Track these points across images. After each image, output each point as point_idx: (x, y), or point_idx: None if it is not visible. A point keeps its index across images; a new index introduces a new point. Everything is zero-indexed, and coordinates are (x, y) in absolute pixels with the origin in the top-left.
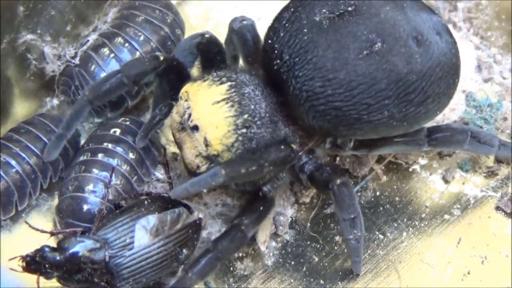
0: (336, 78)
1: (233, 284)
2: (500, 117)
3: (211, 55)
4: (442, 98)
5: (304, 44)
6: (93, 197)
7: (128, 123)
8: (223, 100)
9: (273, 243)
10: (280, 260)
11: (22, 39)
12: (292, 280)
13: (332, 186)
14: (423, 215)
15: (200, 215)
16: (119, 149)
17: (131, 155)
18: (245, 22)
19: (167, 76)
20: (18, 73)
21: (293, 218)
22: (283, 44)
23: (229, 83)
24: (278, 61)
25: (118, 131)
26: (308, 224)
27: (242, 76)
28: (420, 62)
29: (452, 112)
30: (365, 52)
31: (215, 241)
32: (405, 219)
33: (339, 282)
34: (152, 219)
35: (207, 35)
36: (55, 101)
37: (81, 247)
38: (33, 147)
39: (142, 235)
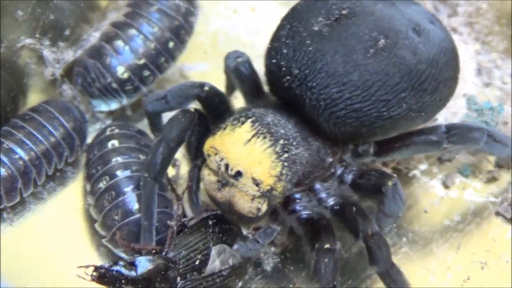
0: (351, 81)
1: None
2: (501, 121)
3: (214, 106)
4: (451, 82)
5: (311, 54)
6: None
7: (116, 130)
8: (253, 136)
9: (272, 248)
10: (279, 265)
11: (21, 43)
12: (291, 286)
13: (386, 190)
14: (423, 221)
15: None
16: (128, 158)
17: (142, 156)
18: (239, 59)
19: (197, 127)
20: (17, 77)
21: None
22: (289, 60)
23: (250, 120)
24: (288, 77)
25: (115, 142)
26: None
27: (257, 110)
28: (425, 51)
29: (454, 116)
30: (371, 50)
31: None
32: (405, 225)
33: None
34: (227, 249)
35: (206, 88)
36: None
37: (158, 265)
38: (37, 134)
39: (215, 260)
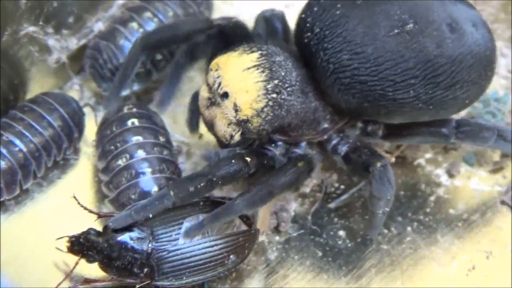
0: (364, 52)
1: (236, 279)
2: (507, 110)
3: (238, 38)
4: (471, 87)
5: (336, 18)
6: None
7: (135, 109)
8: (254, 66)
9: (276, 237)
10: (283, 254)
11: (24, 31)
12: (295, 275)
13: (373, 170)
14: (428, 210)
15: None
16: (148, 138)
17: (161, 138)
18: (276, 11)
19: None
20: (19, 65)
21: (296, 212)
22: (315, 17)
23: (260, 52)
24: (309, 33)
25: (135, 121)
26: (310, 218)
27: (272, 47)
28: (451, 47)
29: None
30: (396, 30)
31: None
32: (410, 214)
33: (343, 277)
34: (201, 218)
35: (233, 20)
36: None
37: (126, 234)
38: (36, 126)
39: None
